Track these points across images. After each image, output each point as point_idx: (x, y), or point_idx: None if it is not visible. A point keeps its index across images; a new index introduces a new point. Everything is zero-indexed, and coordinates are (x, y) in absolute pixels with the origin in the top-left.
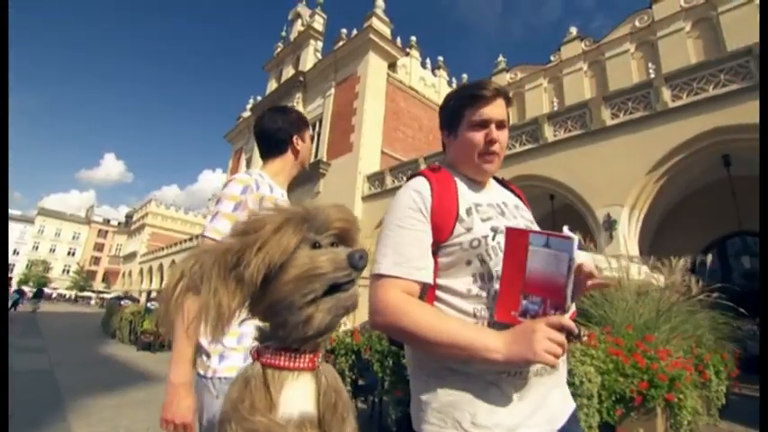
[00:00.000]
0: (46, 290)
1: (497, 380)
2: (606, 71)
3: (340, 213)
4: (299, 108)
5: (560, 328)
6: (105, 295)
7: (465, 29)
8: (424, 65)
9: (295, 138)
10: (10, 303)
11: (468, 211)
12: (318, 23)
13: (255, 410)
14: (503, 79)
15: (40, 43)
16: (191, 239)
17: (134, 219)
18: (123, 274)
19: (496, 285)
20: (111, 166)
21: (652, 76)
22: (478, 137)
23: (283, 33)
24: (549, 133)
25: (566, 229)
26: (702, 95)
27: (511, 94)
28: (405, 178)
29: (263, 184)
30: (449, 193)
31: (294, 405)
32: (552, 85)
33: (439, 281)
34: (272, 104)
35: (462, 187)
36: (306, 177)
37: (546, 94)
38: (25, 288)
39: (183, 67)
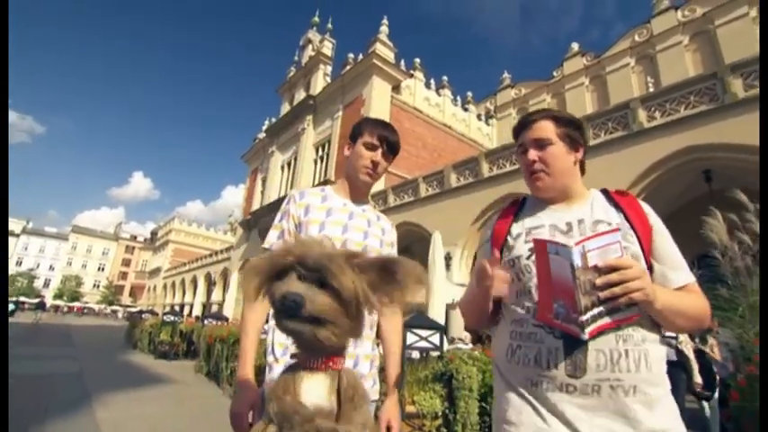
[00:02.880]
0: (78, 304)
1: (519, 385)
2: (607, 85)
3: (331, 264)
4: (309, 130)
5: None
6: (131, 309)
7: (484, 42)
8: (428, 85)
9: (346, 147)
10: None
11: (518, 236)
12: (327, 48)
13: (287, 393)
14: (507, 95)
15: (73, 73)
16: (211, 255)
17: (158, 235)
18: (148, 289)
19: (528, 301)
20: (139, 184)
21: (651, 89)
22: (523, 160)
23: (296, 58)
24: None
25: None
26: (675, 116)
27: (516, 110)
28: (405, 196)
29: (313, 194)
30: (504, 222)
31: (309, 399)
32: (555, 100)
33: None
34: (284, 127)
35: (526, 212)
36: None
37: None
38: (24, 299)
39: (208, 85)
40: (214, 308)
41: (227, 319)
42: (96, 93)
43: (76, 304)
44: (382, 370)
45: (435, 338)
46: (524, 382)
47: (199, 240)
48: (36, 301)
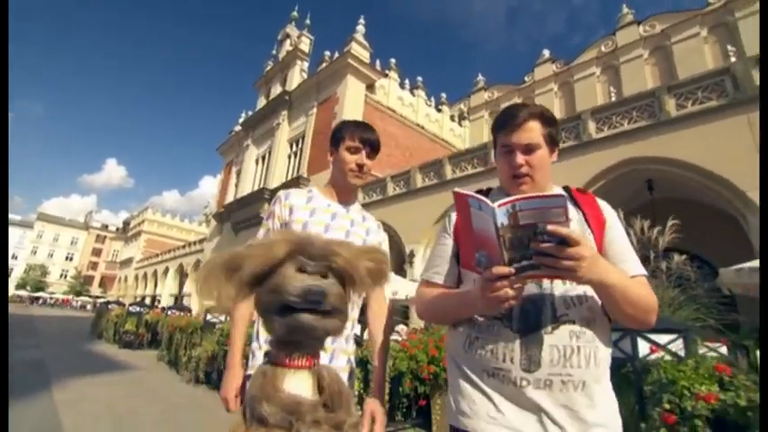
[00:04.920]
0: (43, 294)
1: (475, 375)
2: (574, 93)
3: (340, 249)
4: (284, 125)
5: (494, 279)
6: (99, 300)
7: (466, 45)
8: (402, 85)
9: (331, 150)
10: None
11: None
12: (305, 44)
13: (278, 389)
14: (480, 98)
15: (44, 49)
16: (184, 246)
17: (131, 225)
18: (119, 280)
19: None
20: (113, 172)
21: (613, 99)
22: (507, 161)
23: (273, 52)
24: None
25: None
26: (619, 129)
27: (488, 113)
28: (374, 195)
29: (298, 195)
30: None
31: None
32: None
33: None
34: (260, 121)
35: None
36: None
37: None
38: None
39: (187, 75)
40: (186, 300)
41: (189, 310)
42: (68, 81)
43: (41, 294)
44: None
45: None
46: (480, 374)
47: (173, 231)
48: None
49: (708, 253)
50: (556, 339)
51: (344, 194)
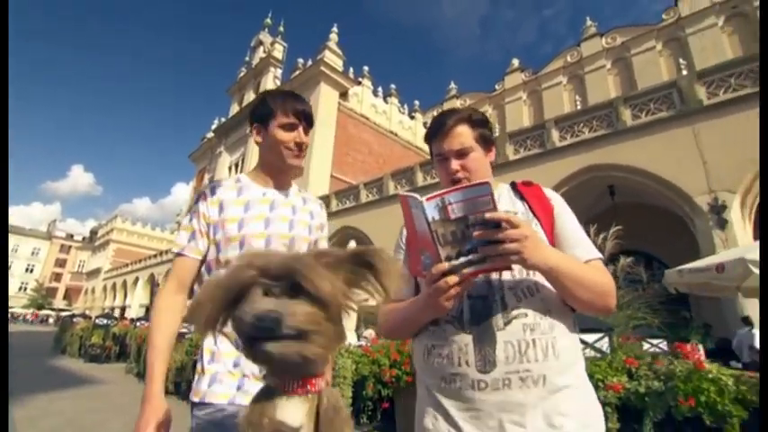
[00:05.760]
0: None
1: (434, 387)
2: (542, 101)
3: (293, 262)
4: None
5: (436, 279)
6: (64, 313)
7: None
8: (376, 93)
9: (255, 127)
10: None
11: None
12: (278, 51)
13: (264, 416)
14: (453, 105)
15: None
16: (156, 256)
17: (99, 234)
18: (86, 291)
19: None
20: (79, 178)
21: (579, 107)
22: (443, 168)
23: (247, 59)
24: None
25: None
26: (581, 137)
27: None
28: (347, 201)
29: (227, 188)
30: None
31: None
32: (496, 111)
33: None
34: (233, 128)
35: None
36: None
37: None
38: None
39: (159, 80)
40: None
41: None
42: (26, 84)
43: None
44: None
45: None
46: (439, 383)
47: (144, 240)
48: None
49: (664, 254)
50: (509, 335)
51: (280, 178)
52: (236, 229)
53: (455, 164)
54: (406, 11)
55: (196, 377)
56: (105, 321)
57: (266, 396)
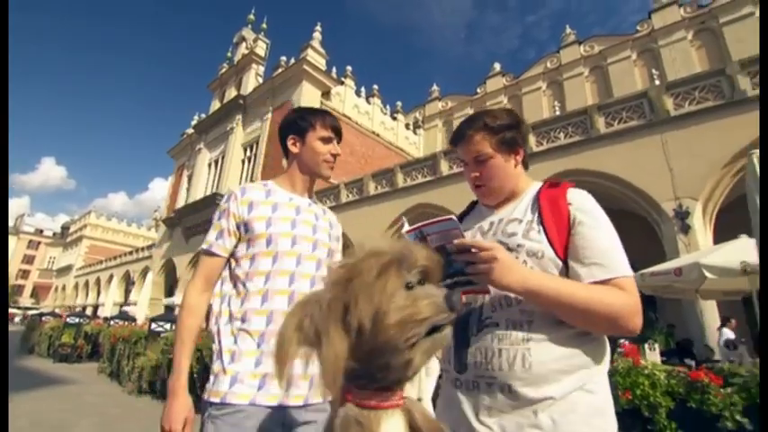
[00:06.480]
0: None
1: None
2: (522, 105)
3: (424, 251)
4: (238, 130)
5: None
6: (31, 312)
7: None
8: (358, 93)
9: (291, 138)
10: None
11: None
12: (261, 48)
13: None
14: (435, 107)
15: None
16: (131, 252)
17: (71, 230)
18: (56, 289)
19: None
20: (50, 171)
21: (557, 113)
22: (465, 173)
23: (228, 54)
24: (444, 167)
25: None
26: (557, 143)
27: (442, 122)
28: (327, 201)
29: (256, 189)
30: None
31: None
32: None
33: None
34: (214, 124)
35: (472, 215)
36: None
37: None
38: None
39: (138, 73)
40: (132, 309)
41: (134, 320)
42: None
43: None
44: None
45: None
46: (444, 374)
47: (119, 236)
48: None
49: (638, 259)
50: (479, 341)
51: (305, 188)
52: (264, 227)
53: (473, 172)
54: (390, 12)
55: (213, 377)
56: (77, 320)
57: (366, 417)
